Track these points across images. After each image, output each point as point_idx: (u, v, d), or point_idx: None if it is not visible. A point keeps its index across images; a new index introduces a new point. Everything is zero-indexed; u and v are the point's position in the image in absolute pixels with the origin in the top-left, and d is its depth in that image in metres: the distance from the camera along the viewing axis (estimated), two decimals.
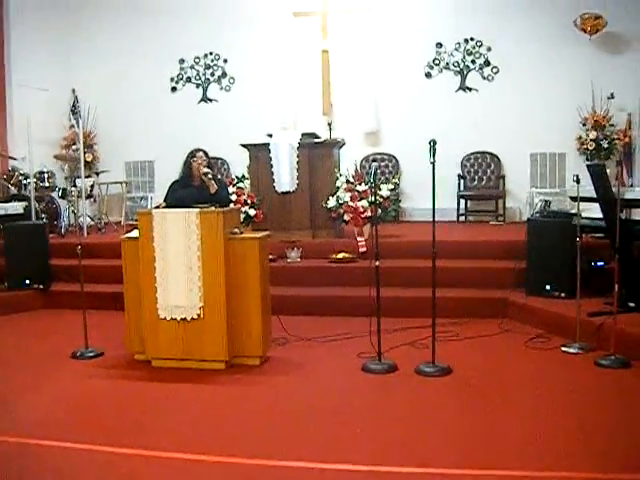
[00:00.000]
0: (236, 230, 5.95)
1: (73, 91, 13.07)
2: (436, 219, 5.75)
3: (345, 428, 4.56)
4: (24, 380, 5.67)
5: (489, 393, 5.18)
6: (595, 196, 6.76)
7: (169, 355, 5.90)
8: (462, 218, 11.66)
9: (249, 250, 5.84)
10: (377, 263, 5.82)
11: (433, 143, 5.53)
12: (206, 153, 6.78)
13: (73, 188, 10.22)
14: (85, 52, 13.07)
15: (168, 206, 6.39)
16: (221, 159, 12.31)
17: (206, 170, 6.59)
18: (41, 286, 8.48)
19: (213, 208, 5.92)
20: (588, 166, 7.33)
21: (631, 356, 5.70)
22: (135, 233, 6.07)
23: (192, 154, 6.75)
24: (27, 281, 8.43)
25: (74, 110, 13.03)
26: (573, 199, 6.87)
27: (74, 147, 12.24)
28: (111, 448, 4.25)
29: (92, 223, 11.45)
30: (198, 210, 5.78)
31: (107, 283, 7.89)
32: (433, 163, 5.52)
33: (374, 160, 11.82)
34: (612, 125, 11.24)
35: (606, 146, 11.15)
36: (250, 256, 5.83)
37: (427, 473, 3.85)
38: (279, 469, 3.96)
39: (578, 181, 6.15)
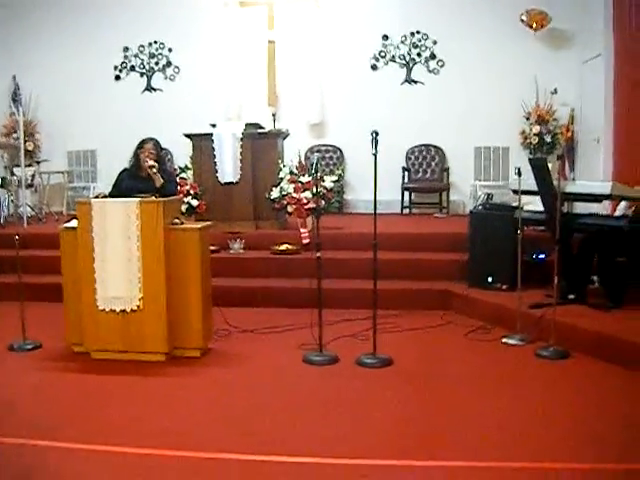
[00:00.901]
0: (177, 220, 5.87)
1: (14, 78, 12.81)
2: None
3: (285, 420, 4.54)
4: None
5: (429, 384, 5.20)
6: (537, 189, 6.83)
7: (108, 347, 5.80)
8: (406, 210, 11.72)
9: (189, 241, 5.77)
10: (319, 254, 5.80)
11: (375, 134, 5.52)
12: (157, 144, 6.62)
13: (13, 177, 10.03)
14: (27, 38, 12.75)
15: (112, 196, 6.27)
16: (165, 149, 12.13)
17: (151, 163, 6.44)
18: None
19: (154, 198, 5.83)
20: (530, 159, 7.42)
21: (570, 347, 5.80)
22: (74, 223, 5.95)
23: (140, 144, 6.58)
24: None
25: (15, 97, 12.77)
26: (515, 192, 6.93)
27: (14, 135, 11.99)
28: (47, 442, 4.16)
29: (33, 213, 11.21)
30: (138, 200, 5.69)
31: (47, 274, 7.69)
32: (375, 154, 5.51)
33: (318, 151, 11.84)
34: (555, 120, 11.38)
35: (549, 140, 11.29)
36: (191, 247, 5.76)
37: (366, 465, 3.85)
38: (218, 461, 3.92)
39: (520, 174, 6.22)
